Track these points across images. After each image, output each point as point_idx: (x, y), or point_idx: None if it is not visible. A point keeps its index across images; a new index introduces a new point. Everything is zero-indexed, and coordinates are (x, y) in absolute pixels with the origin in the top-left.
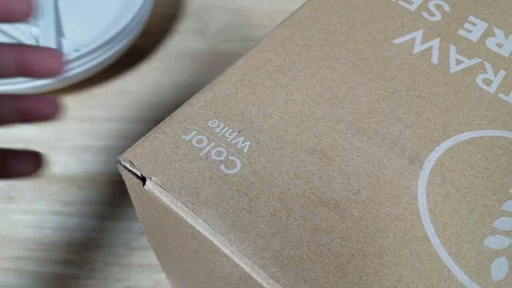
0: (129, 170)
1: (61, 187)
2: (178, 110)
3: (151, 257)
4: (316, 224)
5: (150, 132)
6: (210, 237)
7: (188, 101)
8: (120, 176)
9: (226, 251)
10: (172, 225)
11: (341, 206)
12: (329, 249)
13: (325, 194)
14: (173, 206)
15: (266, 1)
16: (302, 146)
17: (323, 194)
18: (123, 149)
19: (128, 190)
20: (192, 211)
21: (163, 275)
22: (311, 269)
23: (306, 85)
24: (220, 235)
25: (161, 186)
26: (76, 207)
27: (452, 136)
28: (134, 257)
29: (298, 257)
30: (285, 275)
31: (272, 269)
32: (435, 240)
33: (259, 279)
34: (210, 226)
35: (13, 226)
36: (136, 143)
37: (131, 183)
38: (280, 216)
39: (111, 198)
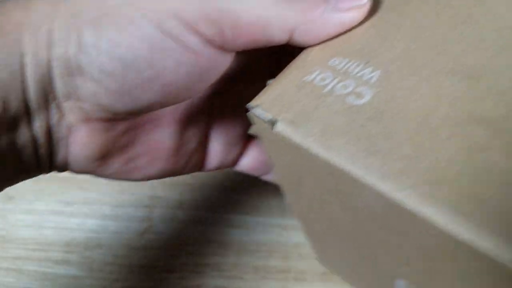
0: (258, 116)
1: (61, 187)
2: (297, 56)
3: (151, 257)
4: (470, 142)
5: (272, 80)
6: (347, 167)
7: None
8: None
9: (366, 178)
10: (307, 167)
11: (496, 123)
12: (491, 165)
13: (475, 113)
14: (305, 142)
15: None
16: (439, 70)
17: (472, 113)
18: None
19: (260, 140)
20: (324, 143)
21: (163, 275)
22: (472, 185)
23: (433, 11)
24: (356, 162)
25: (290, 124)
26: (76, 207)
27: None
28: (134, 257)
29: (453, 175)
30: (441, 191)
31: (422, 188)
32: None
33: (408, 201)
34: (344, 155)
35: (13, 226)
36: (262, 91)
37: (261, 128)
38: (423, 138)
39: (111, 198)
